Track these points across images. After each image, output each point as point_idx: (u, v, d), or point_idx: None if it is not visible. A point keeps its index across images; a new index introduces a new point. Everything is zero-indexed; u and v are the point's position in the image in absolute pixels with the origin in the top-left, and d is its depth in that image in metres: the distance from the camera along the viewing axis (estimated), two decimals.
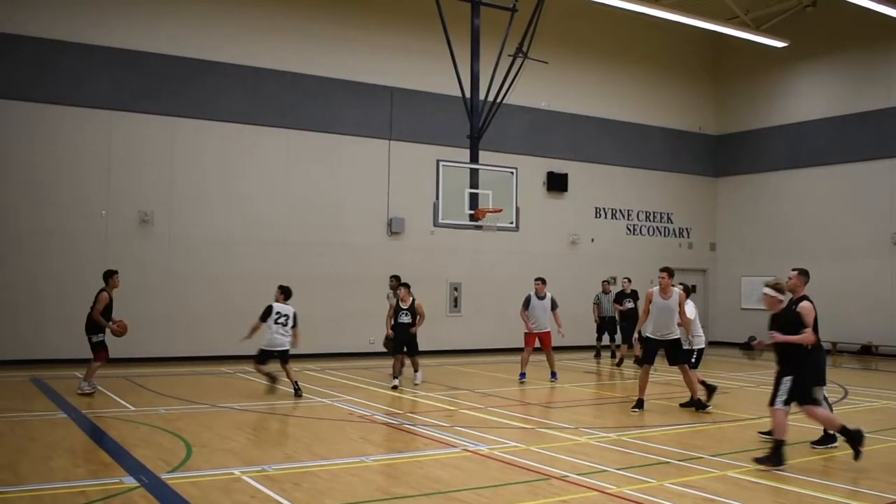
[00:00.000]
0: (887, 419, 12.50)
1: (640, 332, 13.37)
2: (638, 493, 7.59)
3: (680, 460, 9.13)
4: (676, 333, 12.73)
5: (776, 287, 9.63)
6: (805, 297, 9.91)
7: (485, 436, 10.61)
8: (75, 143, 18.62)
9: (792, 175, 26.56)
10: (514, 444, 10.01)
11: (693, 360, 12.99)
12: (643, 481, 8.07)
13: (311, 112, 21.34)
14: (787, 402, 8.97)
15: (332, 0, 21.74)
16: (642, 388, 12.98)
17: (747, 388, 16.24)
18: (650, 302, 12.79)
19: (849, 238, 24.79)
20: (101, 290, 13.96)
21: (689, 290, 13.66)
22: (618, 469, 8.62)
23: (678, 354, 12.80)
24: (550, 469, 8.54)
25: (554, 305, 16.72)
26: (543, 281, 16.83)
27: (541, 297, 16.63)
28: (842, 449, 9.76)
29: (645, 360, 12.97)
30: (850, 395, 15.12)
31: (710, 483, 8.07)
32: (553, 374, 16.72)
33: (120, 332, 13.96)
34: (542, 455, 9.32)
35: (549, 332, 16.62)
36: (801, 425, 11.66)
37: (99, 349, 13.86)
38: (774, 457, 8.78)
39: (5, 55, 18.07)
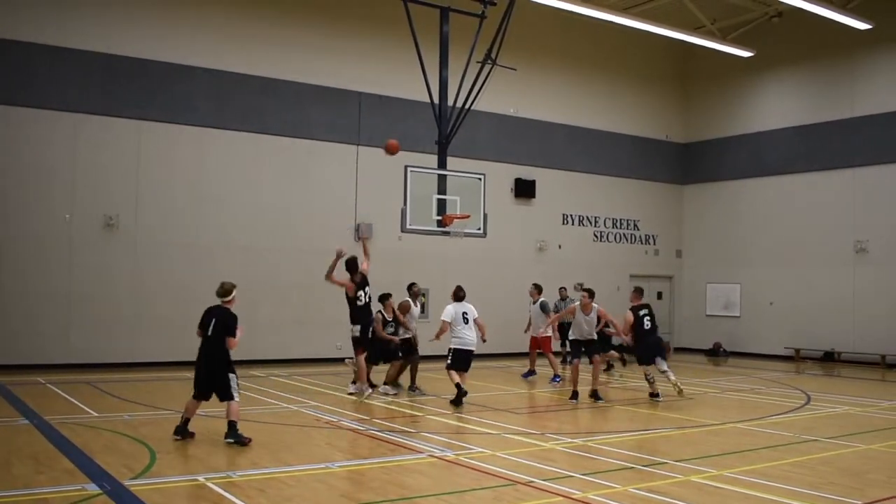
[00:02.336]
0: (848, 425, 12.66)
1: (555, 331, 17.99)
2: (602, 499, 7.64)
3: (644, 465, 9.20)
4: (593, 336, 15.22)
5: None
6: (634, 306, 15.17)
7: (451, 441, 10.63)
8: (40, 146, 18.40)
9: (757, 183, 26.86)
10: (480, 449, 10.03)
11: (449, 361, 14.31)
12: (608, 486, 8.12)
13: (279, 116, 21.24)
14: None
15: (302, 5, 21.70)
16: (576, 381, 15.05)
17: (712, 394, 16.39)
18: (572, 314, 15.33)
19: (812, 246, 25.10)
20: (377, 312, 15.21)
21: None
22: (583, 474, 8.67)
23: (592, 349, 15.18)
24: (516, 475, 8.57)
25: (544, 309, 18.12)
26: (535, 287, 18.37)
27: (534, 303, 18.13)
28: (808, 453, 9.89)
29: (575, 356, 15.19)
30: (813, 401, 15.31)
31: (673, 488, 8.13)
32: (554, 377, 17.72)
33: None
34: (507, 461, 9.35)
35: (546, 337, 17.99)
36: (771, 431, 11.80)
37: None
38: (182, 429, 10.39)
39: None
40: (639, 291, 15.56)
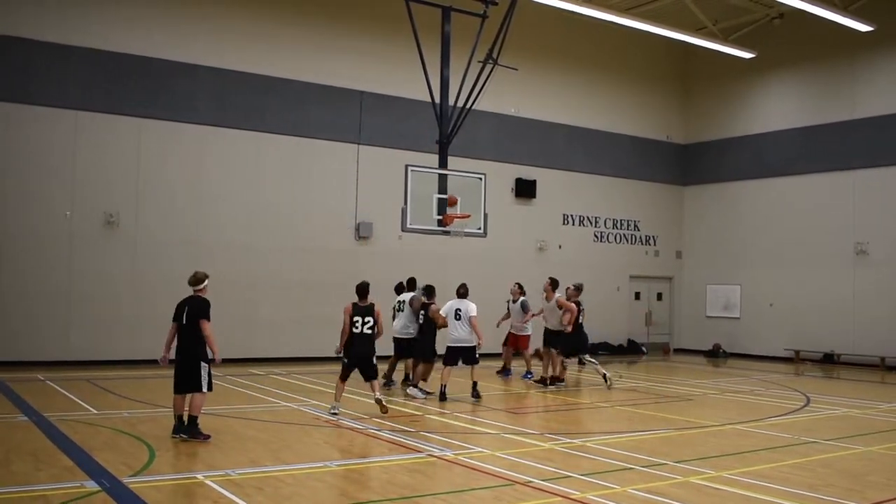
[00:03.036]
0: (848, 427, 12.66)
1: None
2: (601, 499, 7.64)
3: (644, 466, 9.19)
4: (560, 326, 16.57)
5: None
6: (575, 301, 16.73)
7: (450, 441, 10.62)
8: (40, 144, 18.40)
9: (757, 184, 26.85)
10: (480, 449, 10.03)
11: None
12: (607, 487, 8.11)
13: (281, 115, 21.23)
14: (210, 388, 10.43)
15: (304, 4, 21.69)
16: (546, 367, 16.96)
17: (711, 396, 16.39)
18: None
19: (812, 248, 25.09)
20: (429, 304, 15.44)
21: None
22: (582, 475, 8.67)
23: (558, 340, 16.68)
24: (515, 475, 8.57)
25: (524, 308, 18.21)
26: (518, 286, 18.55)
27: (514, 301, 18.29)
28: (808, 455, 9.90)
29: (546, 344, 17.06)
30: (812, 403, 15.30)
31: (672, 489, 8.13)
32: (525, 374, 18.31)
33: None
34: (507, 461, 9.35)
35: (522, 336, 18.33)
36: (770, 433, 11.81)
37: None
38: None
39: None
40: (578, 288, 17.28)
